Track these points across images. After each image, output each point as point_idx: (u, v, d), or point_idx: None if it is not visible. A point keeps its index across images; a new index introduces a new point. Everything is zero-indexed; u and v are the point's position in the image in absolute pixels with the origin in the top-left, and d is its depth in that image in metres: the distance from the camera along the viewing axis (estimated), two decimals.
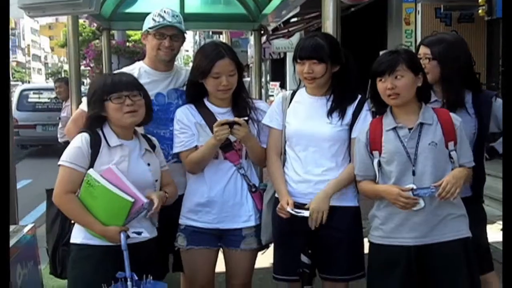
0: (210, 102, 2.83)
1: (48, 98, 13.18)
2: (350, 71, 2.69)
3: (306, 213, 2.55)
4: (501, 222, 4.71)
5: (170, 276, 3.11)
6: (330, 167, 2.64)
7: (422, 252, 2.45)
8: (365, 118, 2.65)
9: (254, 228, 2.81)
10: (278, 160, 2.77)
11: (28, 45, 79.23)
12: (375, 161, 2.49)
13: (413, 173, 2.42)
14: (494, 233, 3.58)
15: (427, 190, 2.38)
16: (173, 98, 3.03)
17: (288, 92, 2.86)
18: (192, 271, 2.87)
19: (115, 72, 2.89)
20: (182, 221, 2.84)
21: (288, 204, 2.59)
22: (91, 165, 2.45)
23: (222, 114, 2.80)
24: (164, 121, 2.93)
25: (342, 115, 2.65)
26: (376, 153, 2.49)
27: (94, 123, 2.53)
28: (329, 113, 2.65)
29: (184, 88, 2.96)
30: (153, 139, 2.71)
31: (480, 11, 7.10)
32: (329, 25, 2.84)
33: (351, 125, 2.66)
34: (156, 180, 2.61)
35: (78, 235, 2.50)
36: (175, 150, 2.83)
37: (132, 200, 2.40)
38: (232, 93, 2.80)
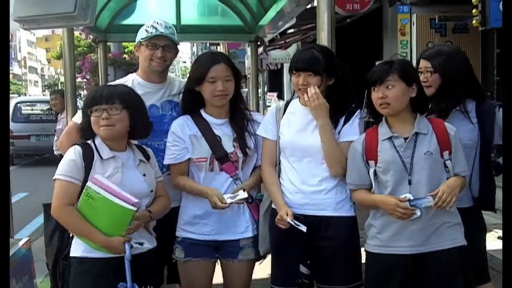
0: (207, 113, 2.83)
1: (41, 110, 13.48)
2: (345, 84, 2.68)
3: (303, 228, 2.54)
4: (497, 230, 4.72)
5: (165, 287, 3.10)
6: (325, 177, 2.64)
7: (419, 260, 2.45)
8: (352, 123, 2.65)
9: (252, 238, 2.81)
10: (274, 171, 2.76)
11: (25, 57, 79.11)
12: (371, 171, 2.50)
13: (409, 182, 2.43)
14: (491, 241, 3.58)
15: (424, 201, 2.38)
16: (167, 110, 3.03)
17: (281, 103, 2.86)
18: (189, 283, 2.86)
19: (110, 83, 2.90)
20: (179, 233, 2.84)
21: (287, 215, 2.58)
22: (86, 178, 2.44)
23: (219, 125, 2.80)
24: (158, 133, 2.91)
25: (335, 125, 2.65)
26: (372, 162, 2.50)
27: (88, 135, 2.54)
28: None
29: (178, 99, 2.96)
30: (148, 149, 2.71)
31: (474, 21, 7.11)
32: (324, 36, 2.82)
33: None
34: (152, 191, 2.60)
35: (77, 248, 2.49)
36: (166, 162, 2.83)
37: (135, 209, 2.40)
38: (229, 103, 2.80)
